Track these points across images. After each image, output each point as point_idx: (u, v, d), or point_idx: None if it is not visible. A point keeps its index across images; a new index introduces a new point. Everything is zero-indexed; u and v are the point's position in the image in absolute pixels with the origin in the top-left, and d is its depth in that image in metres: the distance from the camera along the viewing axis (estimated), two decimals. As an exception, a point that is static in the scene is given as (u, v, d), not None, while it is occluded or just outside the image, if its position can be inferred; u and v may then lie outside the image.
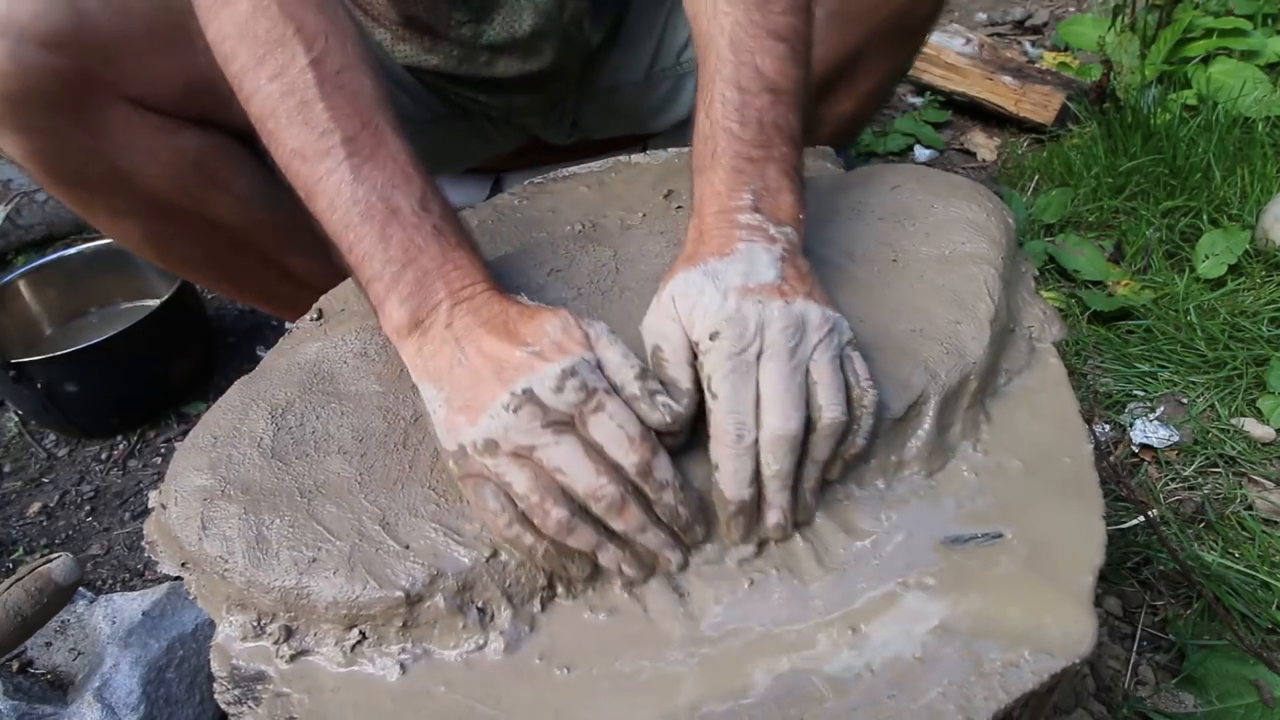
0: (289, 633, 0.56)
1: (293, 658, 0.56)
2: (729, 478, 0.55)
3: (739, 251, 0.60)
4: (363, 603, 0.54)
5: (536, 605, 0.56)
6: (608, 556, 0.55)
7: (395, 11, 0.98)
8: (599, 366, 0.56)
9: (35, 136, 0.85)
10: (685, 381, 0.58)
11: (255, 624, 0.57)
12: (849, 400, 0.58)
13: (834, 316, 0.59)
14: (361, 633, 0.55)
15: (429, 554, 0.55)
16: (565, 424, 0.54)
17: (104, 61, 0.76)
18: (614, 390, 0.56)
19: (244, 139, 0.95)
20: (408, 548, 0.56)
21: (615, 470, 0.54)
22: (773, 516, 0.56)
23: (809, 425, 0.56)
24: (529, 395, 0.54)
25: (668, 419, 0.55)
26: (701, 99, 0.67)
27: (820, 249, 0.72)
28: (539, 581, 0.56)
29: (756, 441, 0.56)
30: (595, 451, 0.54)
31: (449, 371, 0.57)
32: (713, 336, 0.57)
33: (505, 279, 0.73)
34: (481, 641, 0.55)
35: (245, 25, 0.63)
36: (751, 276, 0.59)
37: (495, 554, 0.55)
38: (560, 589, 0.57)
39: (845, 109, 1.11)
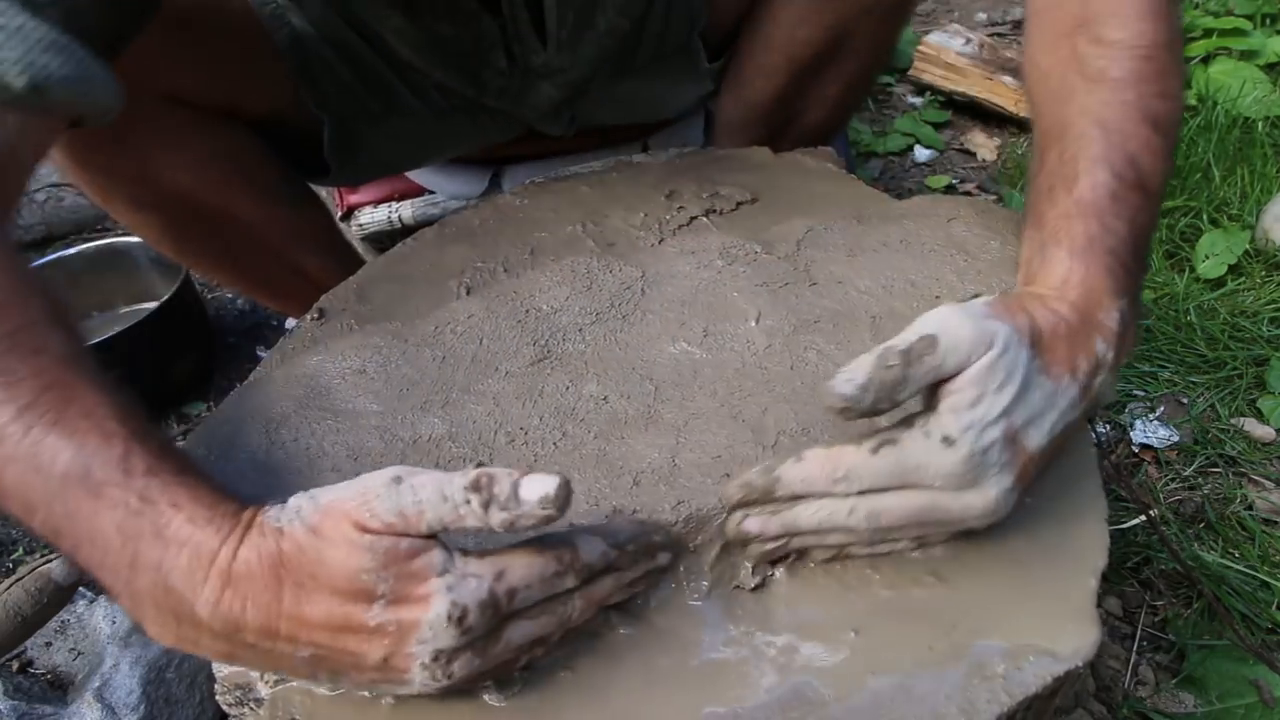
0: None
1: (276, 683, 0.54)
2: (796, 469, 0.52)
3: (1060, 385, 0.52)
4: None
5: None
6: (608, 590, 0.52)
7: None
8: (439, 543, 0.47)
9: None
10: (907, 388, 0.50)
11: None
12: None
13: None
14: None
15: None
16: (496, 629, 0.48)
17: (131, 58, 0.76)
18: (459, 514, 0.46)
19: (263, 131, 0.96)
20: None
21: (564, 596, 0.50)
22: (745, 525, 0.54)
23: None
24: (440, 655, 0.46)
25: (557, 501, 0.45)
26: (1059, 175, 0.59)
27: (858, 279, 0.71)
28: None
29: (840, 494, 0.52)
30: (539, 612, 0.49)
31: (303, 665, 0.48)
32: (947, 440, 0.50)
33: (525, 298, 0.71)
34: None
35: None
36: (1032, 427, 0.51)
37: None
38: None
39: (832, 92, 1.10)
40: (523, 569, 0.48)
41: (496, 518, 0.45)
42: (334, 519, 0.46)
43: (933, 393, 0.52)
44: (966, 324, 0.50)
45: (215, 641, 0.47)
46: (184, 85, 0.86)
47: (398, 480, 0.46)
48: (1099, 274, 0.55)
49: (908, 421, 0.52)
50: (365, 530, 0.45)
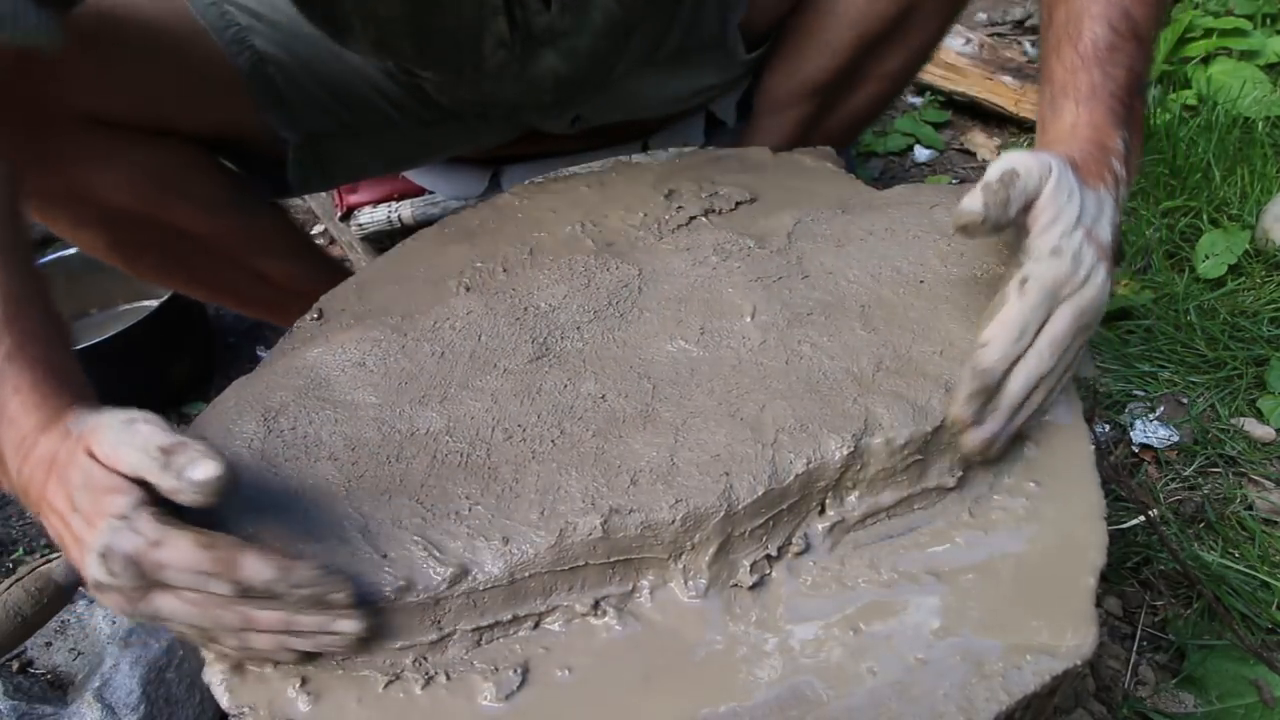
0: None
1: (229, 673, 0.55)
2: (993, 351, 0.59)
3: (1100, 192, 0.64)
4: None
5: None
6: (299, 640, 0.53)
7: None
8: (141, 492, 0.51)
9: None
10: (1013, 205, 0.60)
11: None
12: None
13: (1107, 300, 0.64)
14: None
15: (405, 565, 0.54)
16: (145, 587, 0.51)
17: (50, 79, 0.75)
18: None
19: (208, 146, 0.94)
20: (385, 556, 0.55)
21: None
22: (981, 433, 0.59)
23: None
24: (98, 585, 0.52)
25: (208, 488, 0.50)
26: (1065, 32, 0.69)
27: (847, 269, 0.71)
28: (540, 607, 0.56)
29: (1024, 349, 0.59)
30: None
31: (60, 541, 0.56)
32: (1054, 251, 0.60)
33: (523, 295, 0.71)
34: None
35: None
36: (1098, 225, 0.63)
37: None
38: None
39: (892, 66, 1.09)
40: (178, 551, 0.50)
41: (166, 481, 0.50)
42: (85, 438, 0.54)
43: (1021, 227, 0.61)
44: (1027, 157, 0.61)
45: (24, 500, 0.58)
46: (106, 106, 0.85)
47: (130, 422, 0.53)
48: (1103, 114, 0.67)
49: (1016, 263, 0.62)
50: (89, 454, 0.53)
